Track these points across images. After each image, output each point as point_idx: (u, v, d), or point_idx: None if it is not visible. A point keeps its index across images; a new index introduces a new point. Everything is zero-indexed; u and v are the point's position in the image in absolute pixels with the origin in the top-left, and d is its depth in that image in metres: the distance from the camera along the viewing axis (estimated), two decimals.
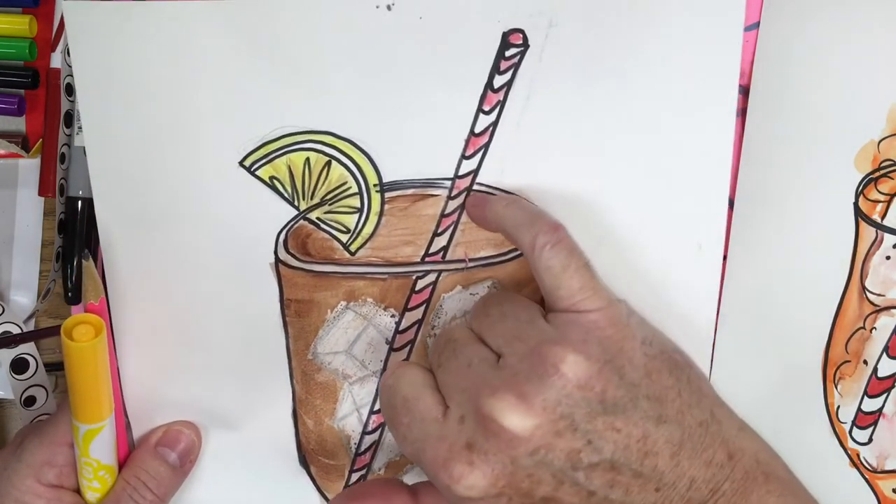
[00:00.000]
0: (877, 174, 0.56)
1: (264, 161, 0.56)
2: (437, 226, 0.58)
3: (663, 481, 0.51)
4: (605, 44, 0.54)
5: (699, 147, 0.56)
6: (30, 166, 0.67)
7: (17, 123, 0.67)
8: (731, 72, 0.55)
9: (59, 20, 0.65)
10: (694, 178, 0.57)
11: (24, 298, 0.70)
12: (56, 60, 0.65)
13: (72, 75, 0.57)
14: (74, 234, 0.65)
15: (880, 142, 0.55)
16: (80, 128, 0.61)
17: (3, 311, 0.68)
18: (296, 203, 0.57)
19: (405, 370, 0.54)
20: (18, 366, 0.69)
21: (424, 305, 0.59)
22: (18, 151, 0.66)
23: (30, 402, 0.69)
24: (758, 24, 0.55)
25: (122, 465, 0.60)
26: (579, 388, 0.49)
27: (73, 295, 0.66)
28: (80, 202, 0.64)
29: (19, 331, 0.68)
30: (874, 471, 0.62)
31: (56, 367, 0.70)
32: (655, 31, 0.54)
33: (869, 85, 0.55)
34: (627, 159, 0.56)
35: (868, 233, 0.57)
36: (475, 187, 0.57)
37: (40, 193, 0.67)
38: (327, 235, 0.58)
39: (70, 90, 0.62)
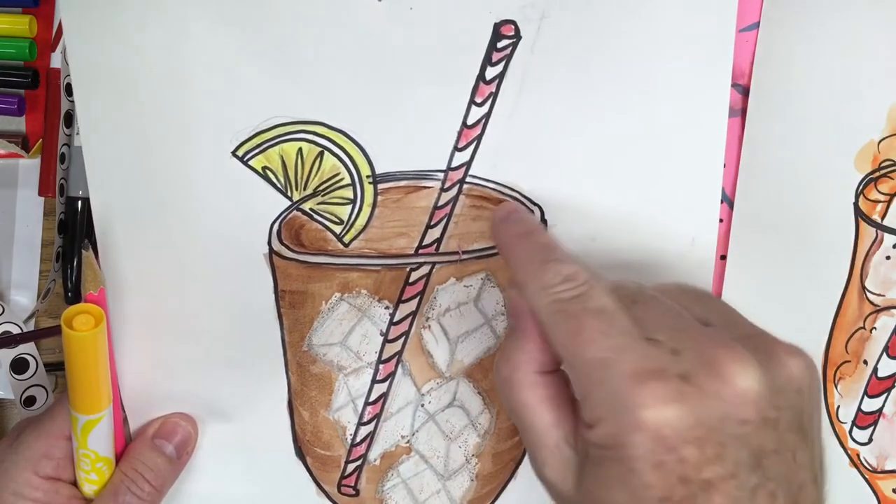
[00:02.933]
0: (877, 174, 0.56)
1: (257, 151, 0.56)
2: (431, 218, 0.58)
3: None
4: (598, 36, 0.54)
5: (692, 140, 0.56)
6: (30, 166, 0.67)
7: (17, 123, 0.68)
8: (724, 65, 0.55)
9: (59, 20, 0.65)
10: (686, 172, 0.57)
11: (24, 298, 0.70)
12: (56, 60, 0.66)
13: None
14: (74, 234, 0.65)
15: (880, 142, 0.56)
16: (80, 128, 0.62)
17: (3, 311, 0.68)
18: (289, 194, 0.57)
19: (594, 284, 0.46)
20: (18, 366, 0.69)
21: (418, 297, 0.59)
22: (18, 151, 0.66)
23: (30, 402, 0.69)
24: (758, 24, 0.55)
25: (119, 458, 0.60)
26: (799, 390, 0.44)
27: (73, 295, 0.66)
28: (80, 202, 0.64)
29: (19, 331, 0.68)
30: (874, 471, 0.62)
31: (56, 367, 0.70)
32: (648, 23, 0.54)
33: (869, 85, 0.55)
34: (620, 152, 0.56)
35: (868, 233, 0.57)
36: (468, 181, 0.57)
37: (40, 193, 0.67)
38: (321, 226, 0.58)
39: (70, 90, 0.63)
